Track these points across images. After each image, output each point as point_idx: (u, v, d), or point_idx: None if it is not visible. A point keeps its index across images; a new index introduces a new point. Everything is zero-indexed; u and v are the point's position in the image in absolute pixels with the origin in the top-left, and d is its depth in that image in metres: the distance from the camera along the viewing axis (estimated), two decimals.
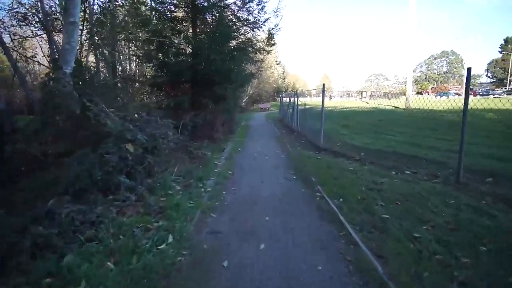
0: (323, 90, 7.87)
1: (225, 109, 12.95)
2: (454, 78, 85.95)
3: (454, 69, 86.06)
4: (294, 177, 5.21)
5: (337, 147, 7.77)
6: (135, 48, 11.77)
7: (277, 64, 39.54)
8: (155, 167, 5.03)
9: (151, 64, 11.59)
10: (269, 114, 25.00)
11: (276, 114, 22.97)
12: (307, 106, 11.97)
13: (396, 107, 23.59)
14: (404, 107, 21.39)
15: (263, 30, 12.22)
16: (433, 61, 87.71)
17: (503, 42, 71.99)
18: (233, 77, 10.72)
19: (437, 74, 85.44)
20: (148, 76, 11.83)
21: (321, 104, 8.33)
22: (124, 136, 4.37)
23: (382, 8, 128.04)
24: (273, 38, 12.59)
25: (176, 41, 11.43)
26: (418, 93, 71.79)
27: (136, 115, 6.17)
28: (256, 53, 13.21)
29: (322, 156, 6.73)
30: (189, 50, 11.22)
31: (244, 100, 31.87)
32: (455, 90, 68.66)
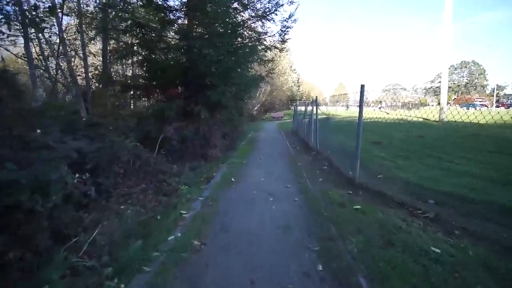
0: (362, 95, 5.11)
1: (225, 119, 10.38)
2: (475, 89, 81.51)
3: (476, 80, 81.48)
4: (320, 269, 2.46)
5: (380, 182, 4.98)
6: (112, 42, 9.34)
7: (292, 70, 36.82)
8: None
9: (129, 62, 9.18)
10: (281, 124, 22.25)
11: (289, 125, 20.20)
12: (324, 117, 9.21)
13: (425, 119, 20.38)
14: (436, 119, 18.30)
15: (274, 21, 9.60)
16: (454, 71, 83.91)
17: None
18: (233, 79, 8.09)
19: (457, 85, 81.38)
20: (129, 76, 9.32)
21: (340, 114, 5.70)
22: None
23: (399, 19, 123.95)
24: (287, 32, 9.94)
25: (166, 34, 8.96)
26: (439, 103, 67.56)
27: None
28: (266, 51, 10.60)
29: (362, 204, 3.95)
30: (180, 44, 8.70)
31: (255, 108, 29.29)
32: (480, 101, 64.18)
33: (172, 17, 8.66)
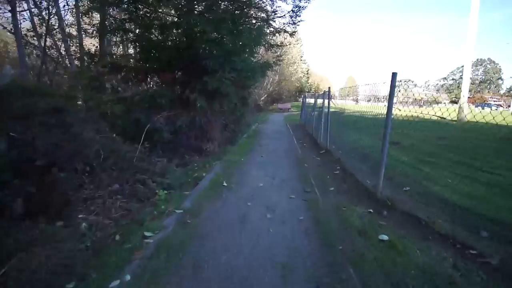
0: (392, 87, 3.99)
1: (227, 109, 9.32)
2: (490, 88, 78.74)
3: (491, 79, 78.48)
4: None
5: (409, 198, 3.92)
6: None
7: (301, 60, 35.23)
8: None
9: (119, 39, 8.12)
10: (288, 117, 21.09)
11: (296, 117, 19.04)
12: (333, 111, 8.10)
13: (441, 118, 18.96)
14: (454, 119, 16.91)
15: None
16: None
17: None
18: (235, 63, 7.00)
19: (471, 84, 78.74)
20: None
21: (349, 108, 4.61)
22: None
23: (412, 14, 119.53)
24: (300, 13, 8.73)
25: (162, 9, 7.87)
26: (452, 102, 65.13)
27: None
28: (274, 34, 9.43)
29: (389, 232, 2.90)
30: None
31: (262, 98, 28.11)
32: (494, 100, 61.51)
33: None
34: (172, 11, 7.53)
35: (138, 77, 8.03)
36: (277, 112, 27.11)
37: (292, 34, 9.58)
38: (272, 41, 9.42)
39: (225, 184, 4.47)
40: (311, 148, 8.12)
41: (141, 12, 7.41)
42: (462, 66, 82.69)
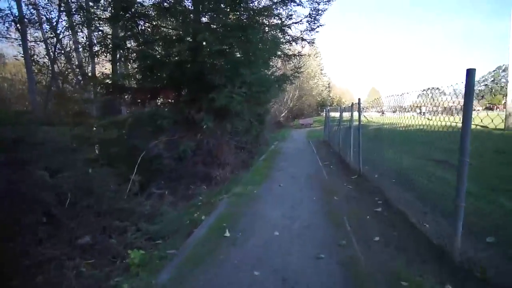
0: (470, 87, 2.68)
1: (240, 129, 8.26)
2: None
3: None
4: None
5: (502, 260, 2.51)
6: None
7: (322, 73, 33.94)
8: None
9: (116, 56, 7.39)
10: (311, 132, 19.73)
11: (319, 133, 17.65)
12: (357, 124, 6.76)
13: (484, 127, 16.71)
14: (499, 127, 14.69)
15: (301, 3, 7.34)
16: (501, 73, 76.04)
17: None
18: (244, 76, 5.97)
19: (503, 87, 73.48)
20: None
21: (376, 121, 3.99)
22: None
23: (433, 21, 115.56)
24: (319, 17, 7.65)
25: (165, 24, 7.11)
26: (487, 108, 60.43)
27: None
28: (290, 43, 8.38)
29: None
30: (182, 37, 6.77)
31: (282, 115, 27.01)
32: None
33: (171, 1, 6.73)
34: (175, 23, 6.71)
35: (141, 98, 7.19)
36: (299, 128, 25.80)
37: (311, 42, 8.49)
38: (289, 51, 8.37)
39: (227, 234, 3.27)
40: (340, 171, 6.76)
41: (141, 28, 6.67)
42: (495, 70, 77.46)
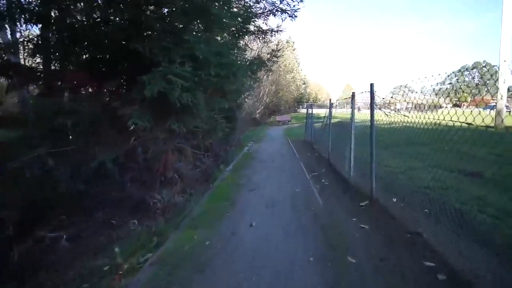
0: None
1: (203, 130, 6.04)
2: (487, 91, 76.80)
3: (487, 81, 76.50)
4: None
5: None
6: None
7: (299, 67, 31.94)
8: None
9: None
10: (289, 130, 17.73)
11: (298, 131, 15.70)
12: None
13: (469, 124, 15.49)
14: (489, 125, 13.48)
15: None
16: (465, 72, 79.51)
17: None
18: (191, 46, 3.68)
19: (467, 86, 76.92)
20: None
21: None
22: None
23: (403, 20, 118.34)
24: None
25: None
26: (455, 105, 62.38)
27: None
28: (267, 16, 6.22)
29: None
30: None
31: (258, 111, 24.86)
32: (494, 103, 58.91)
33: None
34: None
35: (51, 85, 4.66)
36: (276, 125, 23.79)
37: (292, 16, 6.35)
38: (264, 25, 6.20)
39: None
40: (337, 190, 4.69)
41: None
42: (459, 70, 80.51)
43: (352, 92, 5.06)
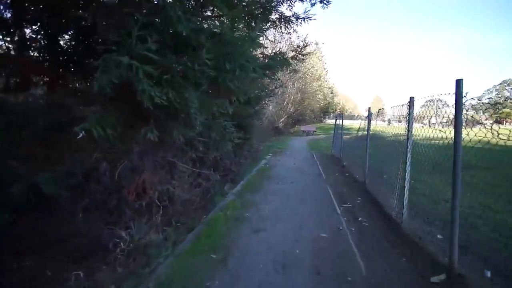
0: None
1: (196, 140, 4.77)
2: None
3: None
4: None
5: None
6: None
7: (326, 75, 29.95)
8: None
9: None
10: (314, 143, 16.10)
11: (324, 144, 14.07)
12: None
13: None
14: None
15: None
16: (506, 87, 73.08)
17: None
18: (170, 19, 2.28)
19: (510, 101, 70.69)
20: None
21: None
22: None
23: (437, 33, 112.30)
24: None
25: None
26: (496, 122, 57.05)
27: None
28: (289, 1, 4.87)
29: None
30: None
31: (281, 120, 23.42)
32: None
33: None
34: None
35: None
36: (300, 135, 22.17)
37: (324, 0, 4.93)
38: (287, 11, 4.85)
39: None
40: (386, 243, 3.12)
41: None
42: (500, 84, 74.57)
43: (411, 97, 3.53)
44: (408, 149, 3.37)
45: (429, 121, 4.78)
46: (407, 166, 3.36)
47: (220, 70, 3.24)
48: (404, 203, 3.33)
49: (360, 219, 3.77)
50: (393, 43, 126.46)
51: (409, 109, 3.47)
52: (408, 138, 3.40)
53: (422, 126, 3.92)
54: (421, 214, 3.44)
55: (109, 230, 2.88)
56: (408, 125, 3.44)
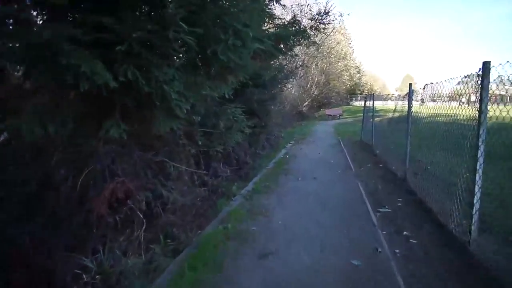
0: None
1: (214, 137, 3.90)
2: None
3: None
4: None
5: None
6: None
7: (352, 54, 27.44)
8: None
9: None
10: (341, 127, 14.80)
11: (353, 128, 12.78)
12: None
13: None
14: None
15: None
16: None
17: None
18: None
19: None
20: None
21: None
22: None
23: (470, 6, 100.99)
24: None
25: None
26: None
27: None
28: None
29: None
30: None
31: (305, 104, 22.12)
32: None
33: None
34: None
35: None
36: (325, 120, 20.79)
37: None
38: None
39: None
40: (454, 282, 2.17)
41: None
42: None
43: (484, 62, 2.42)
44: (480, 139, 2.31)
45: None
46: (478, 164, 2.31)
47: (208, 38, 2.36)
48: (474, 218, 2.31)
49: (405, 233, 2.80)
50: (427, 21, 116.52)
51: (483, 81, 2.37)
52: (479, 123, 2.33)
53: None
54: (497, 229, 2.42)
55: (66, 257, 2.21)
56: (480, 105, 2.35)
